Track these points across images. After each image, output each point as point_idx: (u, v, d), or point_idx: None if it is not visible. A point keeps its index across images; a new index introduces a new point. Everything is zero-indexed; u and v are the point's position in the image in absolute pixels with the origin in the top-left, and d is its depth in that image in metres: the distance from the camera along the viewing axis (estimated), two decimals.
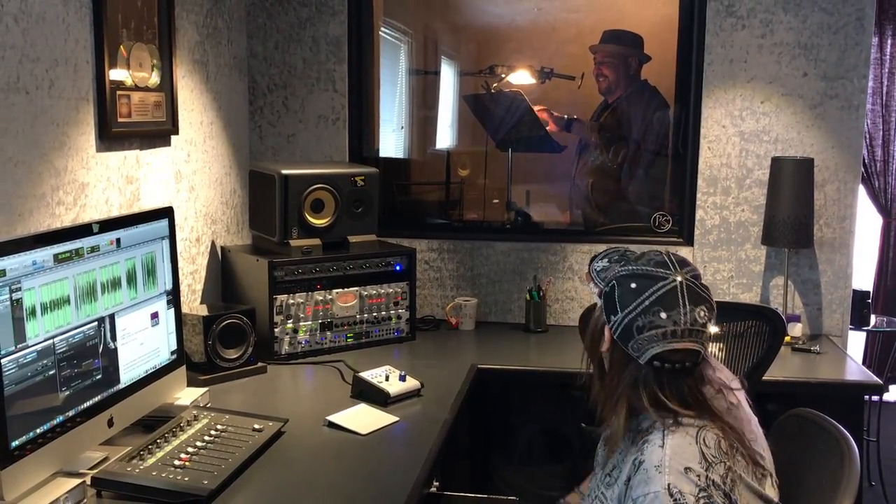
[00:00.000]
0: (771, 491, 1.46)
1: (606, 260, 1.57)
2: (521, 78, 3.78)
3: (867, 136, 4.66)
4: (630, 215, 3.48)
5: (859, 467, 1.47)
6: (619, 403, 1.47)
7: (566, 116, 3.72)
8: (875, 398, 3.81)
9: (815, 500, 1.52)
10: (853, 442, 1.53)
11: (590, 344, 1.57)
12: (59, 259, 1.65)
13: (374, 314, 2.81)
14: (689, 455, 1.36)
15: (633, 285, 1.45)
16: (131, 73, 2.32)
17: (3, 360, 1.49)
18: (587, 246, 3.20)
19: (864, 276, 4.69)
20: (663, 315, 1.41)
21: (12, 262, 1.52)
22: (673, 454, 1.36)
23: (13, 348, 1.52)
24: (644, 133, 3.54)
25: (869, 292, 3.89)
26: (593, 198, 3.65)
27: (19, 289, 1.54)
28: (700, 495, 1.33)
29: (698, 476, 1.34)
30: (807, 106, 3.01)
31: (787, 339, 2.94)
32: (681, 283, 1.43)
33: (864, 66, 2.97)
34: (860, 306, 3.72)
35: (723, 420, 1.42)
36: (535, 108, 3.64)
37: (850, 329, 3.28)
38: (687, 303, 1.42)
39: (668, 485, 1.33)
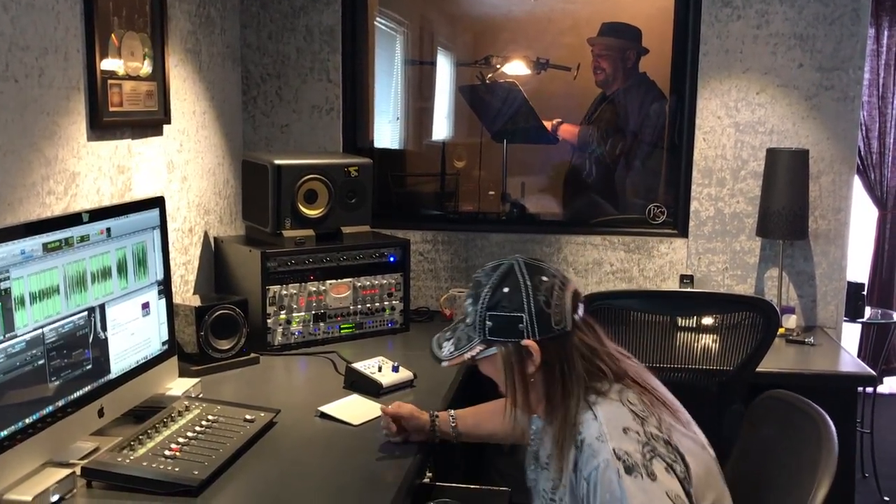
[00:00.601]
0: (702, 435, 1.50)
1: (445, 340, 1.56)
2: (516, 69, 3.77)
3: (863, 128, 4.66)
4: (625, 207, 3.47)
5: (837, 447, 1.47)
6: (570, 395, 1.45)
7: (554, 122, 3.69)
8: (869, 390, 3.81)
9: (793, 481, 1.53)
10: (830, 422, 1.54)
11: (515, 377, 1.47)
12: (48, 248, 1.64)
13: (368, 305, 2.81)
14: (622, 416, 1.40)
15: (505, 290, 1.46)
16: (123, 63, 2.30)
17: None
18: (581, 237, 3.19)
19: (859, 269, 4.70)
20: (544, 278, 1.47)
21: (0, 252, 1.51)
22: (607, 421, 1.39)
23: (1, 338, 1.51)
24: (641, 125, 3.53)
25: (863, 284, 3.89)
26: (588, 189, 3.65)
27: (7, 278, 1.53)
28: (644, 450, 1.36)
29: (637, 433, 1.38)
30: (802, 97, 3.00)
31: (781, 330, 2.94)
32: (520, 258, 1.52)
33: (860, 58, 2.97)
34: (855, 298, 3.72)
35: (633, 378, 1.48)
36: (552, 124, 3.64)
37: (845, 321, 3.28)
38: (539, 262, 1.51)
39: (613, 449, 1.36)
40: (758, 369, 2.40)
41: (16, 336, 1.55)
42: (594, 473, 1.36)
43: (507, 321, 1.45)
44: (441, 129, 4.45)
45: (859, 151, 4.65)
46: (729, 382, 2.39)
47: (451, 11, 4.31)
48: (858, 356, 4.53)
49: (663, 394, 1.51)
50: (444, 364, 1.56)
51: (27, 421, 1.58)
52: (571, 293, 1.49)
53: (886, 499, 3.65)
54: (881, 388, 4.90)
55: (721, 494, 1.47)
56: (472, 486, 2.03)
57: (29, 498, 1.53)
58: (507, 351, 1.47)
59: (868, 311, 4.10)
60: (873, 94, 4.65)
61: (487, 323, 1.47)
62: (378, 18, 3.67)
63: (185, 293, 2.71)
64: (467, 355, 1.51)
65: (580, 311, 1.50)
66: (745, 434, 1.84)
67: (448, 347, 1.55)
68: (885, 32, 4.59)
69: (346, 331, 2.77)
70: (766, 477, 1.67)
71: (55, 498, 1.59)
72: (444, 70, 4.41)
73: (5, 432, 1.52)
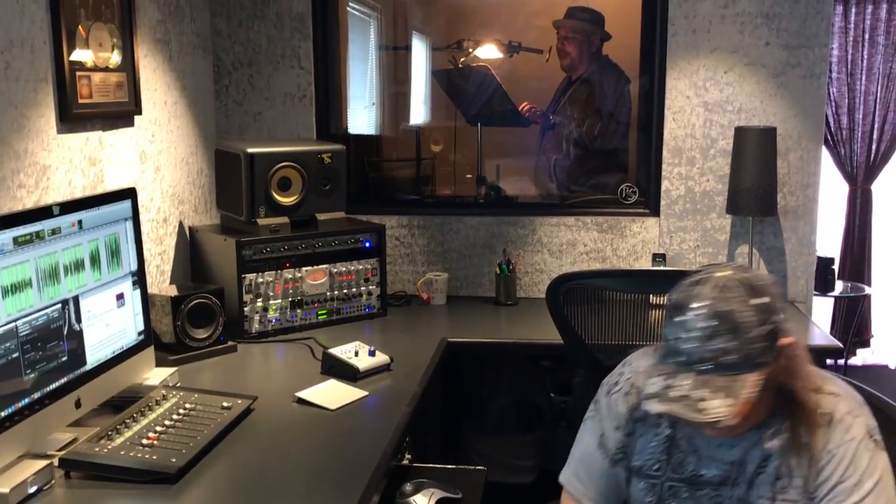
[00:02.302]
0: None
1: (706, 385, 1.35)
2: (488, 52, 3.78)
3: (833, 105, 4.72)
4: (597, 187, 3.51)
5: None
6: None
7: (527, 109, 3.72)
8: (840, 362, 3.89)
9: None
10: None
11: (769, 383, 1.38)
12: (18, 242, 1.64)
13: (345, 291, 2.83)
14: (853, 393, 1.46)
15: (765, 300, 1.37)
16: (91, 54, 2.30)
17: None
18: (556, 218, 3.23)
19: (831, 243, 4.77)
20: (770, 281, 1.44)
21: None
22: (847, 396, 1.44)
23: None
24: (612, 107, 3.56)
25: (833, 259, 3.96)
26: (561, 171, 3.68)
27: None
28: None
29: (868, 408, 1.45)
30: (769, 75, 3.04)
31: None
32: (737, 266, 1.44)
33: (826, 35, 3.00)
34: (825, 273, 3.79)
35: None
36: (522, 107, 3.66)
37: (815, 295, 3.34)
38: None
39: (867, 424, 1.42)
40: None
41: None
42: (845, 447, 1.39)
43: (768, 333, 1.38)
44: (417, 113, 4.46)
45: (829, 127, 4.72)
46: None
47: None
48: (831, 329, 4.63)
49: None
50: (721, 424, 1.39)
51: (2, 414, 1.59)
52: None
53: None
54: (854, 360, 5.00)
55: None
56: (448, 466, 2.07)
57: (6, 490, 1.55)
58: (768, 363, 1.38)
59: (840, 284, 4.17)
60: (842, 71, 4.71)
61: (755, 346, 1.35)
62: (350, 3, 3.67)
63: (162, 283, 2.72)
64: (742, 392, 1.36)
65: None
66: None
67: (717, 401, 1.38)
68: (853, 10, 4.64)
69: (324, 317, 2.79)
70: None
71: (33, 489, 1.60)
72: (420, 54, 4.41)
73: None
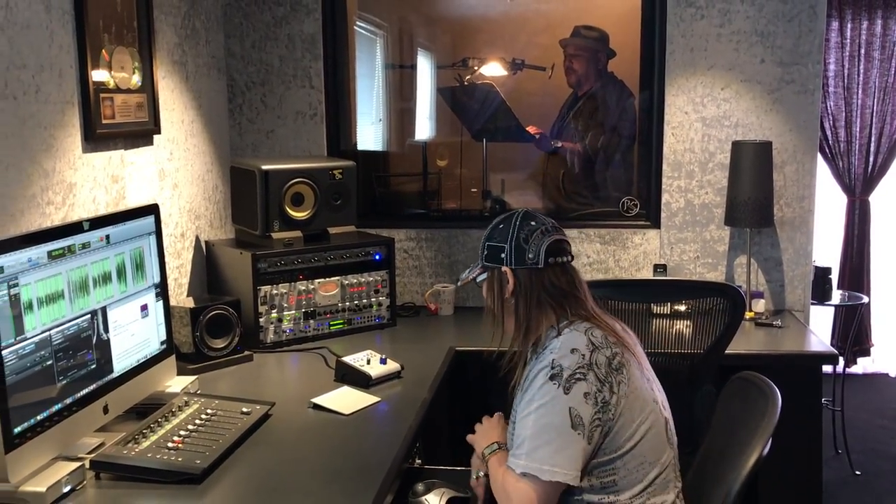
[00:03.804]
0: (660, 394, 1.73)
1: (466, 269, 1.91)
2: (493, 70, 3.89)
3: (830, 118, 4.82)
4: (600, 200, 3.60)
5: (778, 413, 1.63)
6: (535, 320, 1.73)
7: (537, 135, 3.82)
8: (839, 370, 3.96)
9: (742, 446, 1.68)
10: (777, 393, 1.71)
11: (497, 299, 1.78)
12: (52, 256, 1.74)
13: (356, 302, 2.92)
14: (578, 341, 1.66)
15: (501, 226, 1.78)
16: (113, 76, 2.41)
17: (3, 352, 1.59)
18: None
19: (830, 254, 4.86)
20: (533, 223, 1.76)
21: (9, 260, 1.62)
22: (564, 341, 1.66)
23: (13, 340, 1.62)
24: (615, 122, 3.66)
25: (830, 268, 4.03)
26: (565, 185, 3.77)
27: (17, 284, 1.63)
28: (577, 370, 1.61)
29: (582, 356, 1.63)
30: (765, 91, 3.14)
31: (751, 314, 3.08)
32: (527, 209, 1.81)
33: (818, 52, 3.11)
34: (822, 282, 3.87)
35: (603, 320, 1.73)
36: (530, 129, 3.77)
37: (813, 304, 3.43)
38: (540, 215, 1.80)
39: (553, 360, 1.64)
40: (728, 351, 2.52)
41: (25, 339, 1.66)
42: (532, 372, 1.67)
43: (495, 250, 1.77)
44: (423, 129, 4.56)
45: (827, 140, 4.81)
46: (699, 365, 2.52)
47: (428, 13, 4.42)
48: (831, 338, 4.70)
49: (634, 346, 1.75)
50: (458, 284, 1.99)
51: (38, 418, 1.69)
52: (553, 240, 1.75)
53: (858, 473, 3.80)
54: (855, 369, 5.07)
55: (655, 448, 1.66)
56: (458, 468, 2.15)
57: (43, 489, 1.64)
58: (491, 276, 1.79)
59: (839, 294, 4.25)
60: (839, 85, 4.80)
61: (484, 251, 1.80)
62: (358, 23, 3.78)
63: (180, 296, 2.82)
64: (470, 277, 1.85)
65: (561, 258, 1.75)
66: (717, 414, 1.97)
67: (464, 273, 1.89)
68: (849, 25, 4.74)
69: (336, 327, 2.88)
70: (725, 448, 1.80)
71: (67, 489, 1.70)
72: (425, 71, 4.51)
73: (19, 429, 1.63)
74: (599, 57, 3.64)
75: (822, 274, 3.86)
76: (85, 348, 1.85)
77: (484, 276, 1.81)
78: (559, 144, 3.75)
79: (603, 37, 3.65)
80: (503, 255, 1.75)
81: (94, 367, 1.88)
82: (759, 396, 1.73)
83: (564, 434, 1.59)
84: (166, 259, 2.66)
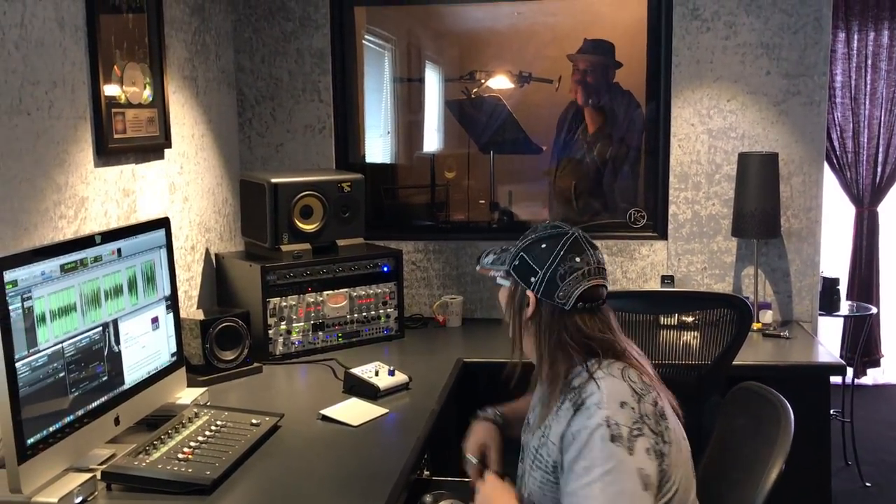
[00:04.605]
0: (681, 428, 1.62)
1: (493, 253, 1.74)
2: (500, 83, 3.91)
3: (838, 129, 4.82)
4: (607, 212, 3.61)
5: (793, 428, 1.61)
6: (556, 358, 1.62)
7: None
8: (848, 381, 3.95)
9: (755, 460, 1.67)
10: (788, 406, 1.69)
11: (515, 315, 1.67)
12: (65, 269, 1.77)
13: (364, 314, 2.94)
14: (622, 391, 1.52)
15: (543, 246, 1.63)
16: (125, 91, 2.44)
17: (17, 364, 1.61)
18: None
19: (838, 264, 4.84)
20: (577, 259, 1.61)
21: (23, 273, 1.64)
22: (609, 392, 1.52)
23: (26, 352, 1.64)
24: (623, 132, 3.68)
25: (838, 279, 4.03)
26: (573, 196, 3.78)
27: (30, 297, 1.66)
28: (634, 426, 1.49)
29: (633, 409, 1.50)
30: (771, 103, 3.15)
31: (758, 325, 3.08)
32: (579, 234, 1.65)
33: (824, 64, 3.12)
34: (830, 293, 3.87)
35: (633, 357, 1.61)
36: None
37: (821, 315, 3.42)
38: (589, 248, 1.64)
39: (607, 417, 1.48)
40: (736, 362, 2.52)
41: (38, 351, 1.68)
42: (583, 431, 1.49)
43: (527, 269, 1.63)
44: (431, 141, 4.58)
45: (835, 151, 4.81)
46: (707, 376, 2.52)
47: (436, 27, 4.45)
48: (840, 349, 4.69)
49: (657, 378, 1.64)
50: (478, 268, 1.79)
51: (50, 429, 1.71)
52: (591, 286, 1.61)
53: (868, 484, 3.78)
54: (865, 380, 5.05)
55: (689, 485, 1.60)
56: (465, 480, 2.15)
57: (55, 500, 1.66)
58: (513, 290, 1.67)
59: (848, 304, 4.24)
60: (846, 96, 4.80)
61: (516, 260, 1.66)
62: (366, 37, 3.81)
63: (189, 308, 2.84)
64: (492, 273, 1.72)
65: (592, 304, 1.62)
66: (720, 424, 1.97)
67: (489, 260, 1.74)
68: (855, 36, 4.75)
69: (344, 339, 2.90)
70: (732, 460, 1.80)
71: (79, 499, 1.71)
72: (433, 84, 4.54)
73: (32, 440, 1.65)
74: (609, 71, 3.65)
75: (830, 285, 3.86)
76: (96, 360, 1.87)
77: (505, 281, 1.70)
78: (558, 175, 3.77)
79: (611, 48, 3.66)
80: (533, 280, 1.62)
81: (105, 378, 1.90)
82: (766, 407, 1.73)
83: (637, 499, 1.45)
84: (177, 272, 2.69)
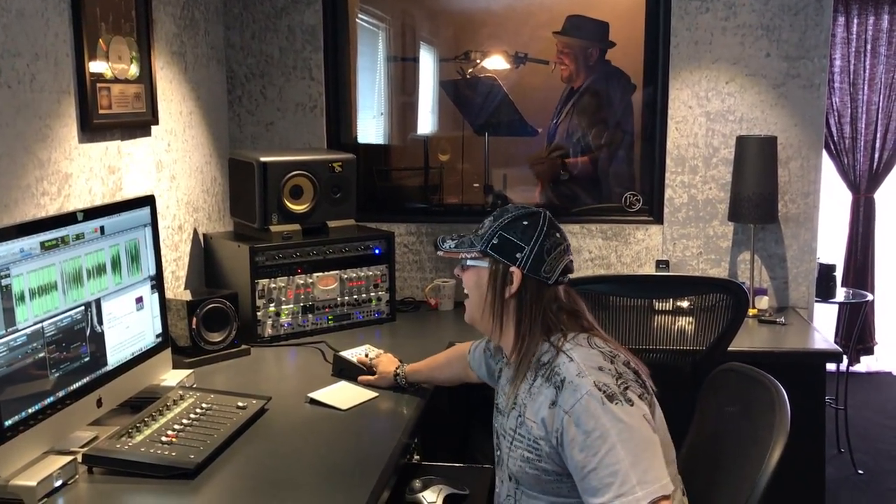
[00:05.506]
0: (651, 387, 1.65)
1: (450, 238, 1.75)
2: (495, 63, 3.85)
3: (836, 114, 4.78)
4: (603, 195, 3.57)
5: (789, 411, 1.58)
6: (534, 333, 1.64)
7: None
8: (842, 368, 3.93)
9: (751, 443, 1.63)
10: (782, 389, 1.66)
11: (497, 296, 1.66)
12: (45, 247, 1.72)
13: (355, 297, 2.90)
14: (594, 357, 1.58)
15: (525, 223, 1.65)
16: (111, 66, 2.38)
17: None
18: (561, 226, 3.28)
19: (835, 251, 4.82)
20: (558, 235, 1.67)
21: (0, 250, 1.59)
22: (582, 360, 1.57)
23: (3, 332, 1.59)
24: (618, 115, 3.63)
25: (835, 266, 4.00)
26: (567, 179, 3.74)
27: (8, 275, 1.61)
28: (618, 382, 1.54)
29: (610, 370, 1.56)
30: (770, 86, 3.10)
31: (754, 311, 3.05)
32: (547, 213, 1.69)
33: (824, 46, 3.07)
34: (826, 279, 3.84)
35: (597, 329, 1.68)
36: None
37: (817, 301, 3.39)
38: (559, 227, 1.69)
39: (594, 382, 1.52)
40: (731, 348, 2.48)
41: (17, 330, 1.63)
42: (577, 405, 1.51)
43: (511, 246, 1.64)
44: (425, 123, 4.53)
45: (832, 137, 4.77)
46: (701, 362, 2.49)
47: (431, 7, 4.39)
48: (835, 336, 4.67)
49: (627, 350, 1.69)
50: (440, 254, 1.78)
51: (30, 411, 1.67)
52: (569, 260, 1.68)
53: (861, 472, 3.77)
54: (859, 367, 5.04)
55: (669, 450, 1.63)
56: (456, 465, 2.13)
57: (34, 483, 1.62)
58: (495, 269, 1.66)
59: (843, 291, 4.22)
60: (845, 81, 4.76)
61: (494, 240, 1.66)
62: (360, 15, 3.75)
63: (177, 289, 2.80)
64: (463, 255, 1.72)
65: (566, 280, 1.68)
66: (701, 406, 1.94)
67: (450, 244, 1.75)
68: (855, 21, 4.70)
69: (334, 322, 2.86)
70: (724, 443, 1.77)
71: (58, 483, 1.67)
72: (428, 65, 4.48)
73: (10, 422, 1.61)
74: (590, 53, 3.59)
75: (826, 271, 3.83)
76: (78, 341, 1.83)
77: (480, 262, 1.68)
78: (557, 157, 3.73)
79: (597, 28, 3.60)
80: (519, 256, 1.62)
81: (87, 359, 1.86)
82: (759, 390, 1.70)
83: (651, 443, 1.50)
84: (164, 252, 2.64)
